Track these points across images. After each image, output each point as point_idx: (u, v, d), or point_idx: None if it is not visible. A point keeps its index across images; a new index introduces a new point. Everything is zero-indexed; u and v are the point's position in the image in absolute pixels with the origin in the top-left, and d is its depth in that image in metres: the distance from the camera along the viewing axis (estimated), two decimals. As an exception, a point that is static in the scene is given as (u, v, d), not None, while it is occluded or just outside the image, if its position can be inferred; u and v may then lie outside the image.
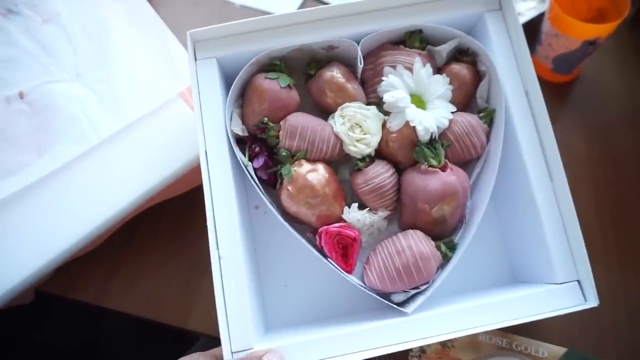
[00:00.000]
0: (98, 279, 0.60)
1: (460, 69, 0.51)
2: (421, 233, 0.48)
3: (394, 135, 0.49)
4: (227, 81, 0.52)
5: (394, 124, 0.49)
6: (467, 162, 0.52)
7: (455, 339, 0.55)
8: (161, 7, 0.61)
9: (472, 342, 0.55)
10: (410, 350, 0.55)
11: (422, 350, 0.55)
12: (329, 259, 0.48)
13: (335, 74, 0.50)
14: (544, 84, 0.69)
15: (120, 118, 0.56)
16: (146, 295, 0.59)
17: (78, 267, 0.58)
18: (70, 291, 0.59)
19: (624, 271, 0.59)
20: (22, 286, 0.52)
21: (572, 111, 0.69)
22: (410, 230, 0.48)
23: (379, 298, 0.47)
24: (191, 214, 0.62)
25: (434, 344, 0.55)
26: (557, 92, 0.70)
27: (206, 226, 0.45)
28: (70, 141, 0.54)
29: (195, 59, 0.49)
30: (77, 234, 0.54)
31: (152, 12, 0.61)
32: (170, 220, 0.62)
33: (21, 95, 0.55)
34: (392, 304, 0.46)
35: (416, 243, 0.47)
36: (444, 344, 0.55)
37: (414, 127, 0.48)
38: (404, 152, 0.50)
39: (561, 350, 0.54)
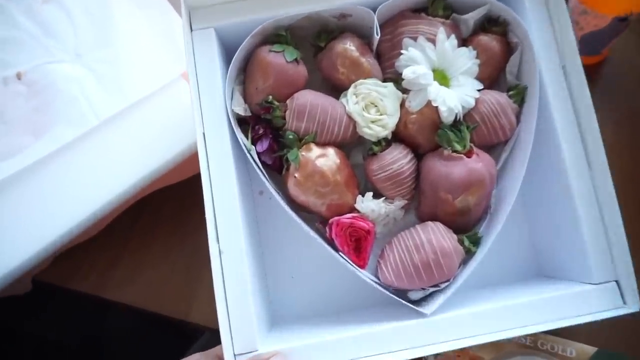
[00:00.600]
0: (98, 268, 0.57)
1: (489, 40, 0.46)
2: (442, 225, 0.43)
3: (414, 116, 0.44)
4: (227, 54, 0.46)
5: (414, 104, 0.44)
6: (494, 146, 0.47)
7: (475, 335, 0.51)
8: None
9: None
10: (426, 346, 0.51)
11: (439, 347, 0.51)
12: (340, 253, 0.44)
13: (348, 46, 0.45)
14: None
15: (121, 99, 0.54)
16: (148, 285, 0.56)
17: (78, 256, 0.56)
18: (69, 280, 0.57)
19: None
20: (19, 271, 0.50)
21: (599, 95, 0.61)
22: (430, 223, 0.44)
23: (394, 296, 0.43)
24: (194, 200, 0.56)
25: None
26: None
27: None
28: (69, 123, 0.52)
29: (191, 29, 0.44)
30: (76, 217, 0.51)
31: None
32: (173, 207, 0.58)
33: (19, 76, 0.54)
34: (408, 303, 0.42)
35: (437, 237, 0.42)
36: (462, 341, 0.51)
37: (436, 107, 0.43)
38: (425, 135, 0.45)
39: (591, 349, 0.50)
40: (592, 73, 0.63)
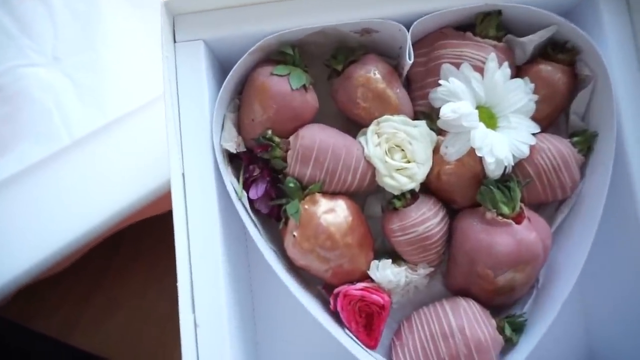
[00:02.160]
0: (65, 309, 0.50)
1: (552, 70, 0.36)
2: (478, 306, 0.35)
3: (450, 167, 0.35)
4: (219, 74, 0.37)
5: (453, 151, 0.34)
6: (548, 204, 0.37)
7: None
8: None
9: None
10: None
11: None
12: (346, 330, 0.35)
13: (372, 75, 0.35)
14: None
15: (100, 114, 0.48)
16: (120, 333, 0.48)
17: (42, 291, 0.49)
18: (31, 319, 0.50)
19: None
20: None
21: None
22: (463, 301, 0.35)
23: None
24: None
25: None
26: None
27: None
28: (38, 139, 0.47)
29: (175, 41, 0.35)
30: (41, 253, 0.45)
31: None
32: (152, 242, 0.51)
33: None
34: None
35: (471, 324, 0.33)
36: None
37: (480, 157, 0.33)
38: (463, 190, 0.35)
39: None
40: None
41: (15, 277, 0.44)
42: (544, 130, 0.36)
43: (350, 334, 0.35)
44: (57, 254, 0.45)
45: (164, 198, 0.46)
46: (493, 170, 0.34)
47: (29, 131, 0.48)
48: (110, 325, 0.49)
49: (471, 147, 0.34)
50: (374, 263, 0.36)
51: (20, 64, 0.50)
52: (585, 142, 0.36)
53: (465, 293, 0.36)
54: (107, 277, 0.51)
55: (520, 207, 0.34)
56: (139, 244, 0.51)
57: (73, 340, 0.48)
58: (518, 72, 0.37)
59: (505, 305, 0.36)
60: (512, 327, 0.34)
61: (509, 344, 0.35)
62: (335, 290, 0.35)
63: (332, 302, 0.36)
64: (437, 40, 0.36)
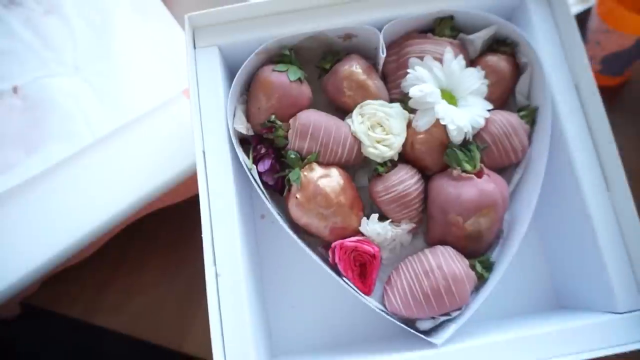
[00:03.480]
0: (89, 293, 0.55)
1: (498, 60, 0.45)
2: (452, 250, 0.41)
3: (421, 136, 0.42)
4: (230, 73, 0.46)
5: (422, 123, 0.42)
6: (505, 169, 0.45)
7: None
8: (170, 4, 0.56)
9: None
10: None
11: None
12: (344, 278, 0.41)
13: (354, 69, 0.44)
14: None
15: (119, 115, 0.52)
16: (140, 312, 0.53)
17: (67, 279, 0.53)
18: (58, 304, 0.54)
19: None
20: (6, 294, 0.48)
21: (623, 118, 0.60)
22: (440, 247, 0.41)
23: (403, 325, 0.40)
24: (191, 224, 0.55)
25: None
26: (605, 96, 0.61)
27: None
28: (63, 139, 0.51)
29: (195, 47, 0.43)
30: (66, 241, 0.49)
31: (159, 3, 0.57)
32: (169, 231, 0.56)
33: (15, 90, 0.52)
34: (417, 333, 0.39)
35: (447, 262, 0.40)
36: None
37: (444, 126, 0.42)
38: (433, 156, 0.43)
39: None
40: (614, 95, 0.63)
41: (49, 260, 0.48)
42: (497, 108, 0.45)
43: (348, 282, 0.42)
44: (85, 238, 0.49)
45: (178, 189, 0.52)
46: (455, 136, 0.42)
47: (55, 132, 0.51)
48: (130, 307, 0.53)
49: (437, 119, 0.42)
50: (364, 220, 0.43)
51: (44, 75, 0.53)
52: (530, 115, 0.44)
53: (442, 244, 0.42)
54: (125, 264, 0.55)
55: (481, 166, 0.42)
56: (155, 233, 0.56)
57: (96, 321, 0.52)
58: (471, 64, 0.45)
59: (477, 252, 0.42)
60: (483, 266, 0.41)
61: (481, 281, 0.41)
62: (333, 245, 0.42)
63: (330, 255, 0.42)
64: (404, 41, 0.45)
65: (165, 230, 0.56)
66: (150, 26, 0.57)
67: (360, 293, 0.41)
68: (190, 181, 0.52)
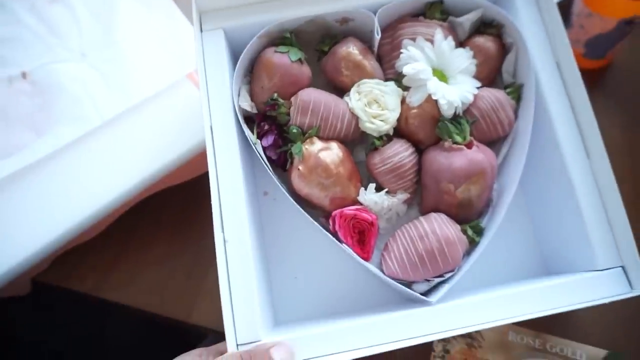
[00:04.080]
0: (98, 269, 0.57)
1: (485, 41, 0.48)
2: (445, 216, 0.44)
3: (415, 111, 0.45)
4: (235, 54, 0.48)
5: (415, 99, 0.45)
6: (494, 142, 0.48)
7: (483, 338, 0.50)
8: None
9: (501, 341, 0.50)
10: (432, 350, 0.50)
11: (446, 350, 0.50)
12: (344, 245, 0.44)
13: (351, 50, 0.47)
14: None
15: (125, 99, 0.54)
16: (148, 286, 0.55)
17: (77, 257, 0.56)
18: (69, 281, 0.56)
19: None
20: (19, 269, 0.50)
21: (607, 99, 0.64)
22: (433, 213, 0.44)
23: (399, 285, 0.42)
24: (197, 203, 0.58)
25: (459, 343, 0.50)
26: (589, 78, 0.64)
27: (211, 217, 0.41)
28: (72, 122, 0.53)
29: (201, 30, 0.46)
30: (77, 216, 0.51)
31: None
32: (173, 209, 0.59)
33: (24, 75, 0.54)
34: (413, 292, 0.42)
35: (440, 226, 0.42)
36: (470, 344, 0.50)
37: (436, 101, 0.45)
38: (425, 130, 0.46)
39: (601, 352, 0.49)
40: (597, 76, 0.66)
41: (60, 236, 0.50)
42: (485, 86, 0.48)
43: (348, 249, 0.44)
44: (95, 215, 0.51)
45: (181, 170, 0.55)
46: (446, 110, 0.45)
47: (64, 115, 0.53)
48: (139, 283, 0.55)
49: (429, 95, 0.45)
50: (362, 190, 0.45)
51: (51, 61, 0.55)
52: (516, 91, 0.47)
53: (436, 212, 0.45)
54: (133, 242, 0.57)
55: (470, 138, 0.45)
56: (160, 213, 0.58)
57: (106, 296, 0.55)
58: (461, 45, 0.48)
59: (468, 218, 0.45)
60: (474, 230, 0.44)
61: (472, 245, 0.44)
62: (333, 213, 0.45)
63: (331, 223, 0.45)
64: (398, 24, 0.48)
65: (170, 210, 0.59)
66: (154, 14, 0.59)
67: (360, 259, 0.44)
68: (192, 162, 0.55)
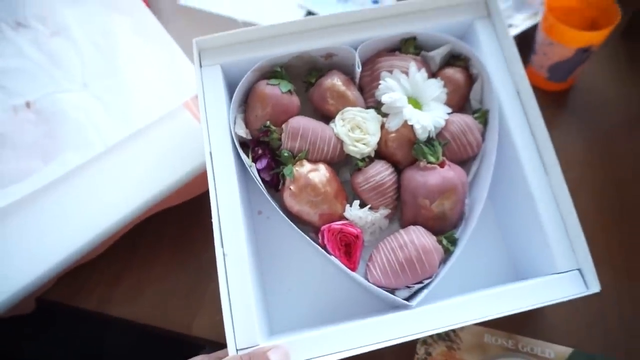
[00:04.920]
0: (102, 286, 0.60)
1: (454, 72, 0.54)
2: (422, 228, 0.49)
3: (393, 135, 0.51)
4: (231, 87, 0.54)
5: (392, 124, 0.51)
6: (464, 161, 0.53)
7: (461, 340, 0.54)
8: (166, 25, 0.64)
9: (477, 343, 0.55)
10: (416, 353, 0.54)
11: (428, 352, 0.54)
12: (332, 256, 0.49)
13: (335, 82, 0.52)
14: (540, 92, 0.72)
15: (126, 126, 0.58)
16: (150, 302, 0.59)
17: (81, 274, 0.59)
18: (73, 298, 0.59)
19: (630, 270, 0.59)
20: (24, 293, 0.52)
21: (570, 118, 0.71)
22: (412, 226, 0.49)
23: (383, 292, 0.47)
24: (195, 222, 0.63)
25: (439, 346, 0.54)
26: (553, 100, 0.72)
27: (210, 235, 0.45)
28: (77, 148, 0.56)
29: (201, 66, 0.52)
30: (81, 240, 0.54)
31: (158, 25, 0.63)
32: (174, 229, 0.63)
33: (28, 105, 0.57)
34: (396, 297, 0.47)
35: (418, 237, 0.47)
36: (449, 346, 0.55)
37: (411, 126, 0.50)
38: (403, 151, 0.51)
39: (567, 350, 0.54)
40: (561, 98, 0.73)
41: (65, 258, 0.53)
42: (455, 112, 0.53)
43: (336, 261, 0.49)
44: (99, 237, 0.54)
45: (181, 190, 0.59)
46: (421, 133, 0.50)
47: (69, 142, 0.56)
48: (141, 298, 0.58)
49: (405, 121, 0.50)
50: (347, 207, 0.50)
51: (55, 91, 0.57)
52: (482, 116, 0.53)
53: (414, 225, 0.50)
54: (135, 260, 0.60)
55: (443, 158, 0.50)
56: (161, 231, 0.61)
57: (110, 312, 0.57)
58: (433, 76, 0.54)
59: (443, 230, 0.50)
60: (448, 240, 0.49)
61: (447, 254, 0.49)
62: (322, 228, 0.49)
63: (320, 237, 0.49)
64: (376, 58, 0.54)
65: (170, 228, 0.62)
66: (151, 46, 0.62)
67: (347, 270, 0.48)
68: (190, 184, 0.59)
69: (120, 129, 0.57)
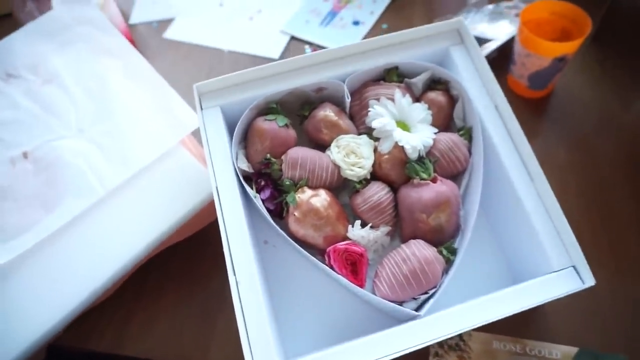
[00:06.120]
0: (114, 326, 0.60)
1: (436, 95, 0.58)
2: (422, 241, 0.51)
3: (386, 157, 0.54)
4: (230, 125, 0.57)
5: (385, 147, 0.54)
6: (455, 176, 0.57)
7: (471, 349, 0.56)
8: (154, 60, 0.67)
9: (487, 350, 0.56)
10: (428, 365, 0.56)
11: (440, 364, 0.56)
12: (340, 276, 0.51)
13: (327, 112, 0.56)
14: (521, 100, 0.77)
15: (125, 169, 0.58)
16: (163, 337, 0.60)
17: (92, 317, 0.60)
18: (85, 342, 0.60)
19: (619, 264, 0.62)
20: (35, 347, 0.52)
21: (551, 123, 0.75)
22: (412, 240, 0.52)
23: (392, 305, 0.49)
24: (199, 255, 0.65)
25: (450, 357, 0.56)
26: (534, 107, 0.77)
27: (215, 265, 0.47)
28: (77, 194, 0.56)
29: (202, 108, 0.55)
30: (90, 287, 0.54)
31: (148, 66, 0.65)
32: (179, 263, 0.64)
33: (25, 155, 0.57)
34: (404, 309, 0.49)
35: (419, 249, 0.50)
36: (460, 356, 0.56)
37: (402, 147, 0.54)
38: (396, 171, 0.55)
39: (573, 350, 0.56)
40: (541, 105, 0.78)
41: (74, 308, 0.53)
42: (441, 131, 0.57)
43: (343, 280, 0.51)
44: (107, 283, 0.55)
45: (185, 227, 0.60)
46: (411, 153, 0.54)
47: (69, 189, 0.56)
48: (154, 334, 0.58)
49: (396, 143, 0.54)
50: (350, 227, 0.53)
51: (51, 139, 0.58)
52: (467, 133, 0.57)
53: (413, 239, 0.53)
54: (143, 298, 0.61)
55: (434, 175, 0.53)
56: (168, 266, 0.62)
57: (124, 351, 0.58)
58: (417, 100, 0.59)
59: (442, 241, 0.53)
60: (448, 251, 0.51)
61: (449, 263, 0.51)
62: (327, 250, 0.52)
63: (326, 259, 0.52)
64: (363, 88, 0.58)
65: (175, 263, 0.64)
66: (143, 88, 0.63)
67: (355, 286, 0.51)
68: (193, 220, 0.60)
69: (119, 171, 0.58)
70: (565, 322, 0.58)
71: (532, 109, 0.76)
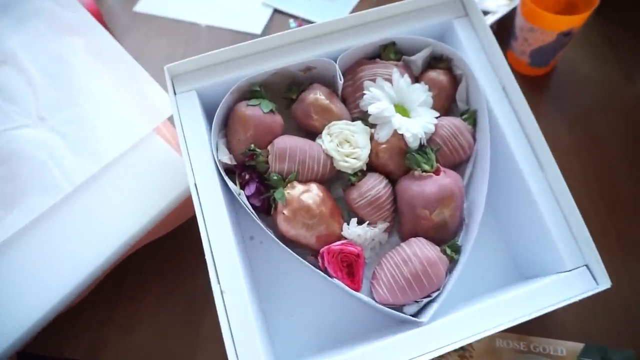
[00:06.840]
0: (89, 332, 0.56)
1: (437, 75, 0.52)
2: (424, 239, 0.47)
3: (384, 146, 0.49)
4: (209, 112, 0.51)
5: (382, 135, 0.49)
6: (458, 165, 0.52)
7: (473, 348, 0.53)
8: (123, 38, 0.60)
9: (490, 349, 0.53)
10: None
11: (441, 364, 0.53)
12: (335, 280, 0.47)
13: (318, 96, 0.50)
14: (522, 78, 0.71)
15: (93, 161, 0.52)
16: (143, 342, 0.55)
17: (64, 322, 0.55)
18: (61, 348, 0.55)
19: (627, 255, 0.59)
20: (2, 356, 0.48)
21: (553, 101, 0.71)
22: (413, 238, 0.47)
23: (391, 310, 0.45)
24: (179, 251, 0.59)
25: (452, 357, 0.53)
26: (536, 84, 0.72)
27: (197, 263, 0.43)
28: (41, 191, 0.50)
29: (175, 93, 0.49)
30: (61, 292, 0.49)
31: (116, 44, 0.58)
32: (158, 260, 0.59)
33: None
34: (405, 315, 0.45)
35: (421, 249, 0.46)
36: (462, 355, 0.53)
37: (402, 135, 0.48)
38: (395, 162, 0.49)
39: (579, 346, 0.53)
40: (543, 82, 0.73)
41: (44, 315, 0.49)
42: (442, 115, 0.52)
43: (339, 283, 0.47)
44: (79, 286, 0.50)
45: (163, 223, 0.55)
46: (412, 142, 0.48)
47: (32, 185, 0.50)
48: (133, 339, 0.54)
49: (394, 130, 0.49)
50: (345, 225, 0.48)
51: (9, 128, 0.51)
52: (471, 117, 0.52)
53: (414, 236, 0.48)
54: (121, 300, 0.57)
55: (437, 165, 0.48)
56: (145, 265, 0.58)
57: (103, 357, 0.54)
58: (416, 80, 0.53)
59: (445, 239, 0.48)
60: (452, 249, 0.47)
61: (453, 263, 0.47)
62: (321, 251, 0.47)
63: (320, 260, 0.47)
64: (357, 67, 0.52)
65: (155, 261, 0.59)
66: (113, 70, 0.57)
67: (351, 290, 0.46)
68: (171, 215, 0.55)
69: (87, 164, 0.52)
70: (570, 317, 0.55)
71: (532, 86, 0.71)
